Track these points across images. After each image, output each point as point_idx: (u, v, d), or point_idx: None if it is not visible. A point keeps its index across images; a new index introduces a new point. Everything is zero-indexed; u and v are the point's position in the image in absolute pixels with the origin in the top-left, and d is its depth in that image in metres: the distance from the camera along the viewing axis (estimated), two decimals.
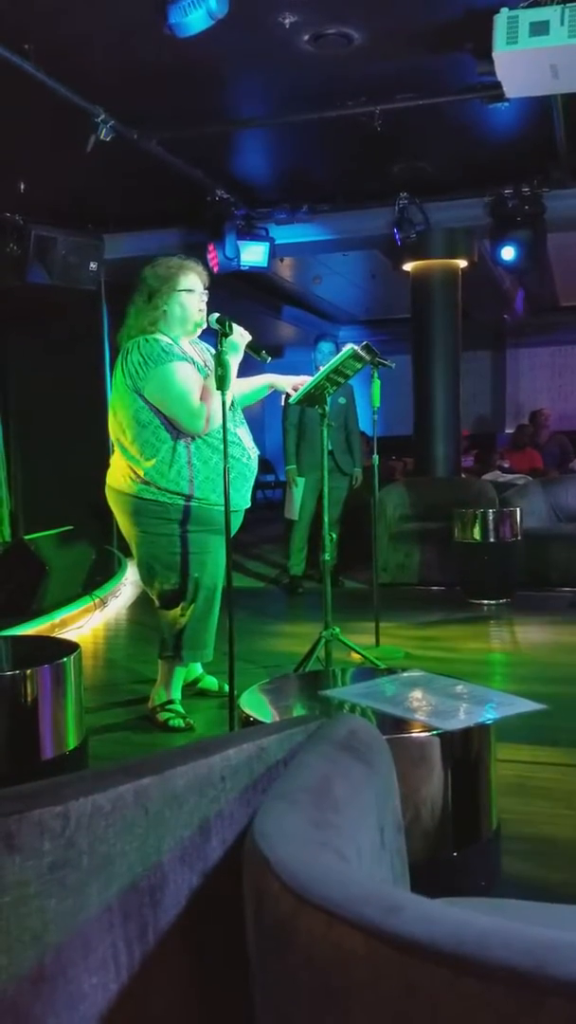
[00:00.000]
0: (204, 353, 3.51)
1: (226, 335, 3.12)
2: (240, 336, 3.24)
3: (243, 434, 3.42)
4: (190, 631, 3.39)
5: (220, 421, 3.10)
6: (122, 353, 3.35)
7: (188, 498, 3.26)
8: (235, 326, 3.20)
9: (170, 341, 3.33)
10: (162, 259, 3.45)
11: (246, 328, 3.30)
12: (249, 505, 3.51)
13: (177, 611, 3.37)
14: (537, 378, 13.47)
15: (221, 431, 3.15)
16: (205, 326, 3.40)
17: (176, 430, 3.25)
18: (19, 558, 5.41)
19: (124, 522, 3.41)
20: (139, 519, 3.33)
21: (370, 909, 0.77)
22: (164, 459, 3.24)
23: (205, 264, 3.62)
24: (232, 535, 3.17)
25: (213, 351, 3.56)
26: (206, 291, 3.43)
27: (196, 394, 3.22)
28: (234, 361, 3.23)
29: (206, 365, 3.41)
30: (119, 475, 3.37)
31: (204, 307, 3.39)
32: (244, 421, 3.50)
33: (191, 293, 3.37)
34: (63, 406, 7.70)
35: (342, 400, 6.13)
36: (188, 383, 3.23)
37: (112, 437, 3.42)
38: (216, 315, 3.21)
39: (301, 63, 4.41)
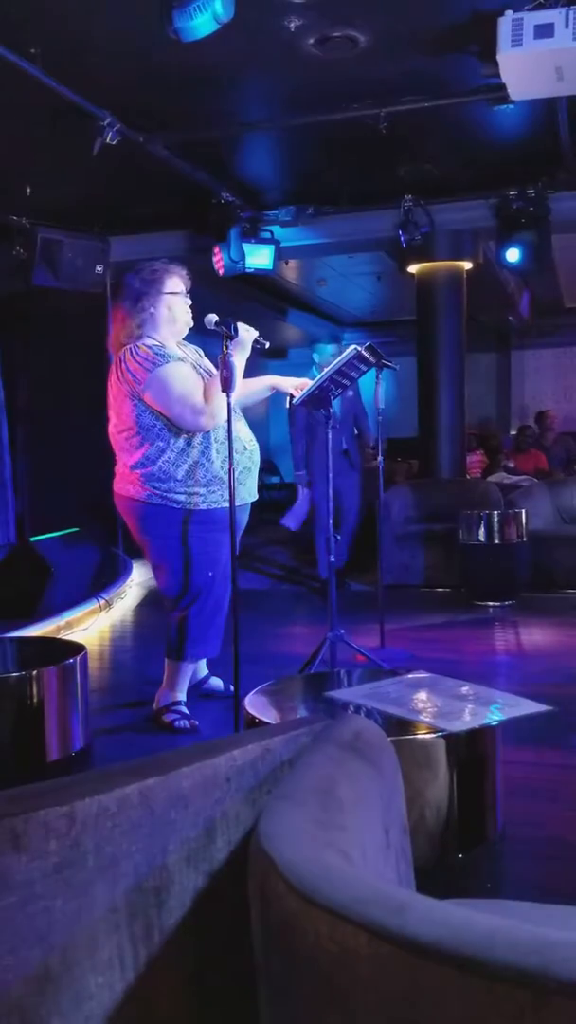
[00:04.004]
0: (195, 354, 3.52)
1: (231, 337, 3.13)
2: (246, 332, 3.24)
3: (241, 426, 3.40)
4: (200, 629, 3.39)
5: (224, 417, 3.11)
6: (115, 363, 3.34)
7: (197, 499, 3.26)
8: (239, 325, 3.20)
9: (160, 343, 3.34)
10: (144, 263, 3.43)
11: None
12: (256, 498, 3.52)
13: (189, 610, 3.37)
14: (542, 380, 13.44)
15: (222, 430, 3.17)
16: (192, 326, 3.41)
17: (179, 431, 3.25)
18: (25, 560, 5.43)
19: (135, 527, 3.39)
20: (149, 523, 3.32)
21: (375, 909, 0.77)
22: (171, 461, 3.25)
23: (211, 267, 3.62)
24: (242, 531, 3.18)
25: (202, 351, 3.58)
26: (188, 294, 3.43)
27: (197, 393, 3.23)
28: (240, 360, 3.23)
29: (198, 365, 3.42)
30: (125, 482, 3.36)
31: (189, 310, 3.40)
32: (242, 414, 3.48)
33: (176, 296, 3.38)
34: (69, 408, 7.70)
35: (350, 392, 6.10)
36: (188, 382, 3.24)
37: (114, 446, 3.40)
38: (214, 317, 3.16)
39: (306, 66, 4.41)
